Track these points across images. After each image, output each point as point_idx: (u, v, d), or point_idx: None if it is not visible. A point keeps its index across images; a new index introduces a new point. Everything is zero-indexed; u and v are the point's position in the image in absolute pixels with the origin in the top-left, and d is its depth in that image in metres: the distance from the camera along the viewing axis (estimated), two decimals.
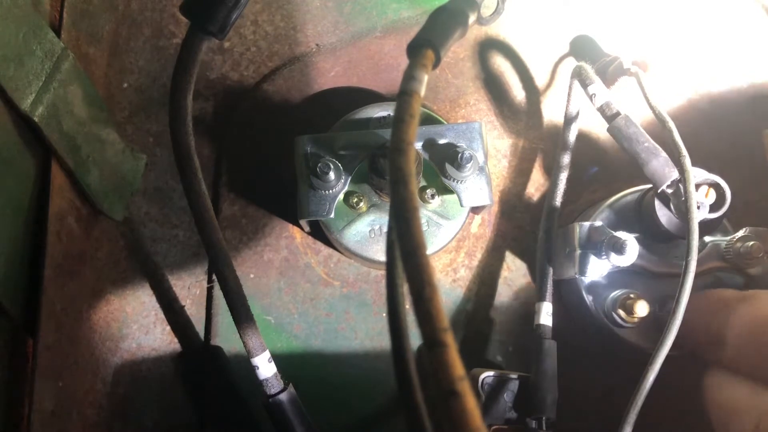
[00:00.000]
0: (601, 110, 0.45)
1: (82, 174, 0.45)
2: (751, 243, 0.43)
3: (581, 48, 0.54)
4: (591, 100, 0.46)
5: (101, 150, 0.47)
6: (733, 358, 0.40)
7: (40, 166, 0.43)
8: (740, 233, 0.44)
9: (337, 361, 0.49)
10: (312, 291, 0.50)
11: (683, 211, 0.41)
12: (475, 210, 0.50)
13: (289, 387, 0.43)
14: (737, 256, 0.44)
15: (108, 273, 0.50)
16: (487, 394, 0.45)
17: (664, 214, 0.43)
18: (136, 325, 0.49)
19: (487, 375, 0.45)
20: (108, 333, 0.49)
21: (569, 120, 0.49)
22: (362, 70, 0.54)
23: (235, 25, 0.38)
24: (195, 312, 0.50)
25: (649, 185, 0.46)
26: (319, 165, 0.44)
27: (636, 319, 0.44)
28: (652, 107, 0.44)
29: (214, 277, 0.47)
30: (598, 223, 0.46)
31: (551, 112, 0.54)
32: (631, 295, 0.44)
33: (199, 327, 0.50)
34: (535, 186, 0.53)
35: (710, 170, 0.43)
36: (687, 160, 0.41)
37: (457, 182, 0.45)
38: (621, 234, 0.44)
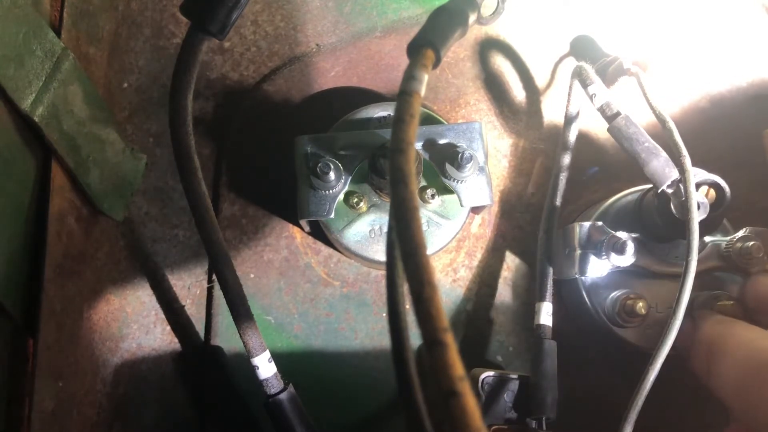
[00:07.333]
0: (601, 110, 0.45)
1: (82, 174, 0.45)
2: (751, 243, 0.43)
3: (581, 48, 0.54)
4: (591, 100, 0.46)
5: (101, 150, 0.47)
6: (723, 397, 0.39)
7: (40, 166, 0.43)
8: (740, 233, 0.44)
9: (338, 361, 0.49)
10: (312, 291, 0.50)
11: (683, 211, 0.41)
12: (475, 210, 0.50)
13: (289, 387, 0.42)
14: (737, 256, 0.44)
15: (108, 273, 0.50)
16: (487, 394, 0.45)
17: (664, 214, 0.43)
18: (136, 325, 0.49)
19: (487, 375, 0.45)
20: (108, 333, 0.49)
21: (569, 120, 0.49)
22: (362, 70, 0.54)
23: (235, 25, 0.38)
24: (195, 312, 0.50)
25: (649, 185, 0.46)
26: (319, 165, 0.44)
27: (636, 319, 0.44)
28: (652, 107, 0.44)
29: (214, 277, 0.47)
30: (598, 223, 0.46)
31: (551, 112, 0.54)
32: (631, 295, 0.44)
33: (199, 327, 0.50)
34: (535, 186, 0.53)
35: (710, 170, 0.43)
36: (687, 160, 0.41)
37: (457, 182, 0.45)
38: (621, 234, 0.44)
